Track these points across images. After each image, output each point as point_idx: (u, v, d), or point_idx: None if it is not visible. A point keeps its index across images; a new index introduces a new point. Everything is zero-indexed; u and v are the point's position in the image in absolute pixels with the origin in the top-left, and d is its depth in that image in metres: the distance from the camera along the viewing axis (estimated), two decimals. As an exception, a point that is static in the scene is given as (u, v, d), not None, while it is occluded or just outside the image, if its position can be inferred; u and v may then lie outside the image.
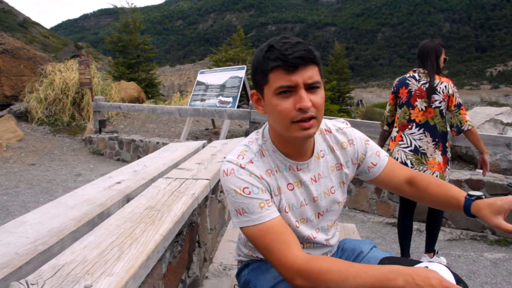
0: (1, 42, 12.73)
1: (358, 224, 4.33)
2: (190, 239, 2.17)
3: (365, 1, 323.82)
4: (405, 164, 3.44)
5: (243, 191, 1.38)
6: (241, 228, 1.42)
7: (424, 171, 3.42)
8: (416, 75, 3.57)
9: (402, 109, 3.58)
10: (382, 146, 3.81)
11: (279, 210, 1.45)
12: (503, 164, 8.33)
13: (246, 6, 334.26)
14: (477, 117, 9.33)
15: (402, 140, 3.55)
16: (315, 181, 1.54)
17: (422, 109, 3.49)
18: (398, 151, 3.56)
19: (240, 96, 9.88)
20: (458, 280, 1.35)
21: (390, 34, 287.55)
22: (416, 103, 3.51)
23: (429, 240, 3.83)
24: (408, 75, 3.62)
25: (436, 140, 3.49)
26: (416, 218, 5.21)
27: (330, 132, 1.61)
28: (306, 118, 1.32)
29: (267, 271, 1.56)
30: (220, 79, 10.26)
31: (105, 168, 8.26)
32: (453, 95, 3.46)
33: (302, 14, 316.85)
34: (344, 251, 1.75)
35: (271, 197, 1.43)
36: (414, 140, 3.51)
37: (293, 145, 1.46)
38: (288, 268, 1.32)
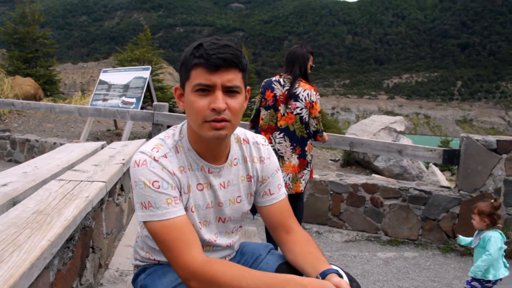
0: None
1: (259, 227, 4.38)
2: (83, 245, 2.07)
3: (273, 9, 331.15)
4: None
5: (153, 185, 1.37)
6: (144, 222, 1.40)
7: None
8: (281, 80, 3.66)
9: (269, 112, 3.63)
10: None
11: (186, 209, 1.45)
12: (396, 169, 8.89)
13: (155, 6, 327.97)
14: (374, 125, 9.87)
15: (271, 143, 3.58)
16: (224, 188, 1.55)
17: (284, 114, 3.59)
18: None
19: (144, 97, 9.68)
20: (351, 279, 1.40)
21: (296, 42, 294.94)
22: (280, 107, 3.59)
23: None
24: (274, 78, 3.69)
25: (294, 145, 3.61)
26: (315, 220, 5.41)
27: (248, 142, 1.63)
28: (219, 119, 1.33)
29: (164, 275, 1.54)
30: (124, 79, 9.97)
31: (-5, 169, 7.67)
32: (316, 103, 3.62)
33: (211, 17, 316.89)
34: (243, 255, 1.76)
35: (180, 195, 1.43)
36: (276, 143, 3.60)
37: (206, 146, 1.47)
38: (184, 269, 1.33)
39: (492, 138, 4.81)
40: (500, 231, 3.25)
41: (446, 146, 15.23)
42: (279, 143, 3.60)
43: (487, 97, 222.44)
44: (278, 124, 3.59)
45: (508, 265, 3.27)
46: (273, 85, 3.64)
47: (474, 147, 4.80)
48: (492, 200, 3.27)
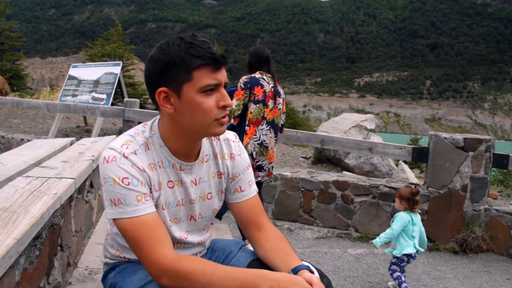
0: None
1: (231, 224, 4.38)
2: (50, 243, 2.01)
3: (246, 6, 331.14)
4: (251, 154, 3.85)
5: (122, 181, 1.34)
6: (114, 219, 1.38)
7: (262, 161, 3.92)
8: (265, 77, 3.96)
9: (258, 106, 3.89)
10: None
11: (156, 206, 1.43)
12: (366, 166, 9.00)
13: (126, 1, 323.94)
14: (345, 122, 9.96)
15: (256, 135, 3.89)
16: (195, 184, 1.54)
17: (271, 109, 3.95)
18: (251, 144, 3.88)
19: (115, 93, 9.54)
20: (322, 275, 1.41)
21: (269, 40, 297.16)
22: (269, 103, 3.92)
23: None
24: (257, 76, 3.95)
25: (276, 136, 4.03)
26: (287, 217, 5.43)
27: (218, 139, 1.62)
28: (226, 115, 1.38)
29: (134, 273, 1.51)
30: (94, 74, 9.79)
31: (-41, 165, 7.44)
32: (284, 99, 4.19)
33: (183, 14, 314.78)
34: (214, 251, 1.75)
35: (150, 192, 1.42)
36: (262, 135, 3.91)
37: (187, 145, 1.46)
38: (155, 266, 1.32)
39: (459, 136, 4.91)
40: (411, 214, 3.62)
41: (416, 144, 15.50)
42: (266, 134, 3.92)
43: (455, 96, 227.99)
44: (267, 118, 3.90)
45: (419, 247, 3.63)
46: (261, 82, 3.90)
47: (442, 145, 4.89)
48: (413, 187, 3.70)
